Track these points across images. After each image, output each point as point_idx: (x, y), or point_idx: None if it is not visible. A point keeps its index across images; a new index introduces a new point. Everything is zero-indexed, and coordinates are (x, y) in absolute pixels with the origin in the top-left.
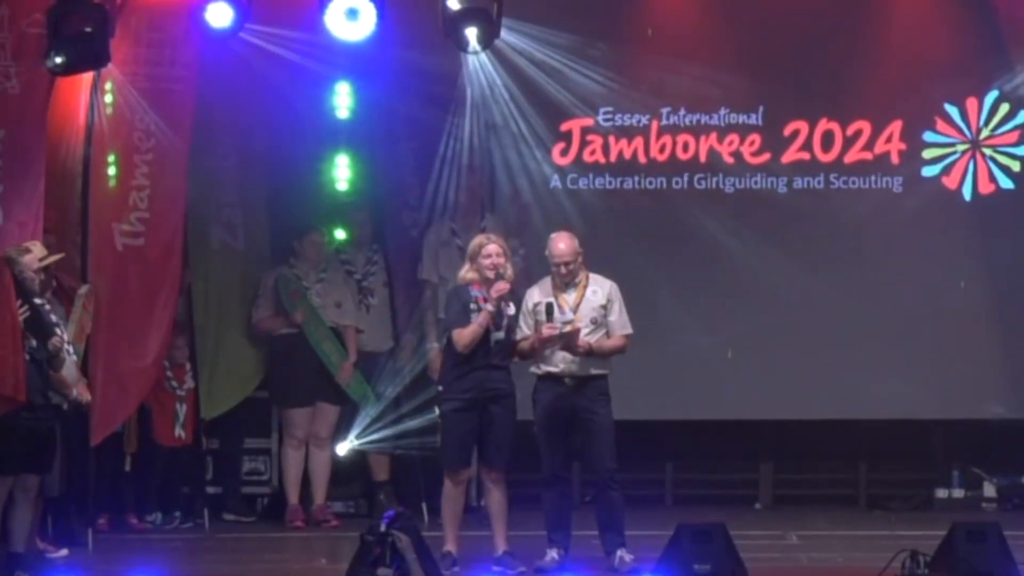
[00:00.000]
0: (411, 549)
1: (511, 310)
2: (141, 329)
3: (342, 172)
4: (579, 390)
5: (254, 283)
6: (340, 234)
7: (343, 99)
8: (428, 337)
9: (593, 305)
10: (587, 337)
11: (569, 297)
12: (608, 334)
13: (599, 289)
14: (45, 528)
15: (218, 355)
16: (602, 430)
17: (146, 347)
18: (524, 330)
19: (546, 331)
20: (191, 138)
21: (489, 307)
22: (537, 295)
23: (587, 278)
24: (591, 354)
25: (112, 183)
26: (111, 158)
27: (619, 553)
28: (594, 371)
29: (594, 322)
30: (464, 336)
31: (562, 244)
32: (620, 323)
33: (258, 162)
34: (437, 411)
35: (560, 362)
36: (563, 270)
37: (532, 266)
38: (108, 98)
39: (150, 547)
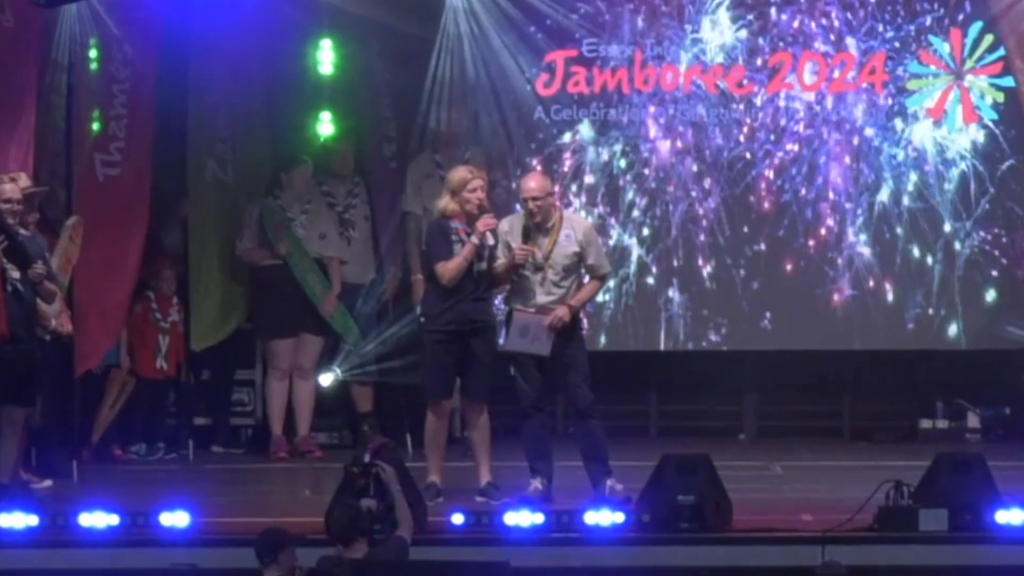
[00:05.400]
0: (395, 480)
1: (491, 240)
2: (122, 258)
3: (326, 54)
4: None
5: (242, 216)
6: (327, 128)
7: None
8: (412, 268)
9: (566, 252)
10: (560, 285)
11: (542, 243)
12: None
13: (572, 232)
14: (29, 459)
15: (208, 287)
16: (575, 362)
17: (124, 276)
18: (500, 258)
19: (519, 254)
20: (158, 62)
21: (474, 239)
22: (506, 225)
23: (561, 220)
24: (575, 313)
25: (95, 114)
26: (93, 90)
27: (608, 483)
28: None
29: (566, 270)
30: (449, 269)
31: (532, 182)
32: (596, 265)
33: (249, 94)
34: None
35: (540, 299)
36: (531, 205)
37: (514, 198)
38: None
39: (134, 478)
